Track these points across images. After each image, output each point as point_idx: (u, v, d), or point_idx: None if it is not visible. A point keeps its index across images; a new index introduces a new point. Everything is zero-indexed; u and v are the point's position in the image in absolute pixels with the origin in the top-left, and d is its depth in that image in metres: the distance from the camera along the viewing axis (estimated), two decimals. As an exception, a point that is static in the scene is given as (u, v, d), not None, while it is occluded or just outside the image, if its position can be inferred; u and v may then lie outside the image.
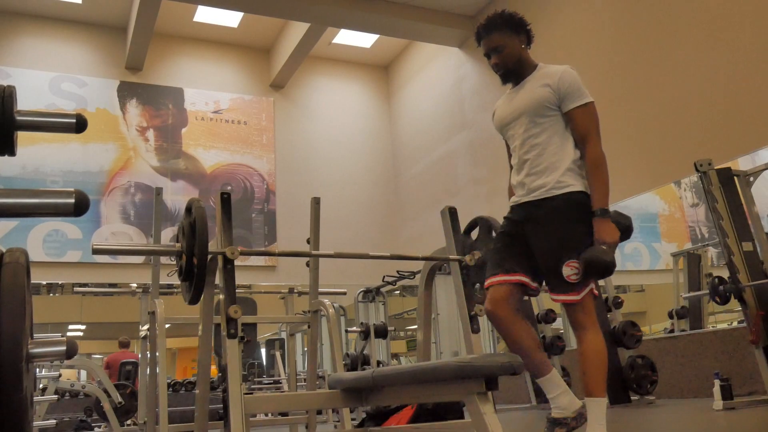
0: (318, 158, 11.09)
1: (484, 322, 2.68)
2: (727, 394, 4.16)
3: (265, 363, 9.46)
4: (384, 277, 8.34)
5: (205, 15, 10.05)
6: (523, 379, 6.56)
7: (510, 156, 2.55)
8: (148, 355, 3.95)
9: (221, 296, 2.10)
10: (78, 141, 9.39)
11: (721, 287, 4.58)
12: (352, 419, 3.59)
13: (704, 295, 5.68)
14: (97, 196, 9.36)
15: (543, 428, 2.27)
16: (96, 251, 2.13)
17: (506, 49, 2.44)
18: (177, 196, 9.81)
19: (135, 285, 5.46)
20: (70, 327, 12.06)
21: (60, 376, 5.83)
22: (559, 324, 6.79)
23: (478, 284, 2.66)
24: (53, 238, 9.02)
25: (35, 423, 4.26)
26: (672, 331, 6.64)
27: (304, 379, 6.97)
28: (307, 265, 3.56)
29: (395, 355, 11.43)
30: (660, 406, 5.06)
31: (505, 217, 2.52)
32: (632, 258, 7.44)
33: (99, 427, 6.99)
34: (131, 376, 7.68)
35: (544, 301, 6.07)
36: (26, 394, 1.30)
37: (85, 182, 9.25)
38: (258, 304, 5.10)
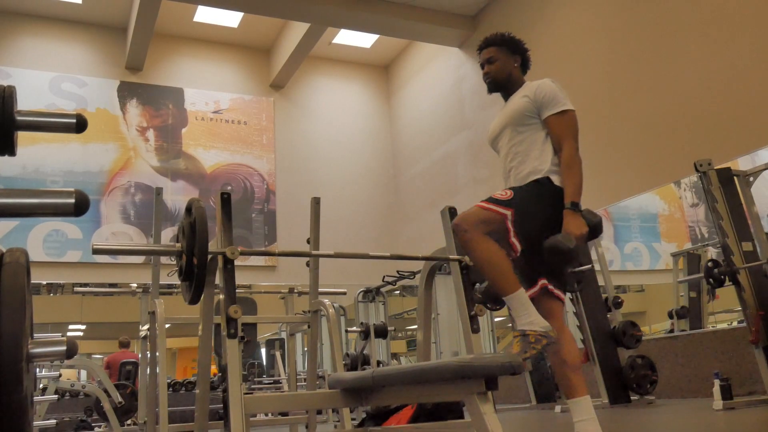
0: (318, 158, 11.08)
1: (484, 322, 2.68)
2: (726, 394, 4.16)
3: (265, 363, 9.46)
4: (384, 277, 8.35)
5: (205, 15, 10.05)
6: (523, 379, 6.57)
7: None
8: (148, 355, 3.96)
9: (221, 296, 2.10)
10: (78, 141, 9.39)
11: (715, 270, 4.59)
12: (352, 419, 3.59)
13: (700, 278, 5.69)
14: (97, 196, 9.36)
15: (514, 340, 2.22)
16: (96, 251, 2.13)
17: (498, 62, 2.64)
18: (177, 196, 9.81)
19: (135, 285, 5.45)
20: (70, 327, 12.07)
21: (60, 376, 5.82)
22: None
23: (478, 284, 2.66)
24: (53, 238, 9.02)
25: (35, 423, 4.26)
26: (672, 331, 6.65)
27: (304, 379, 6.97)
28: (307, 265, 3.56)
29: (395, 355, 11.43)
30: (660, 406, 5.06)
31: None
32: (632, 258, 7.44)
33: (99, 427, 6.99)
34: (131, 376, 7.68)
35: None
36: (26, 394, 1.30)
37: (85, 182, 9.25)
38: (258, 304, 5.10)
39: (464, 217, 2.34)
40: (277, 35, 10.76)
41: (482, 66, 2.69)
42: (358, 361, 7.18)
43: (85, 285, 9.18)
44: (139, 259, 8.72)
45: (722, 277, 4.51)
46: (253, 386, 7.88)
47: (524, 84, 2.63)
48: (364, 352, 7.39)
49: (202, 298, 2.24)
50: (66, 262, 9.05)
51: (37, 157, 9.06)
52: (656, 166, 6.49)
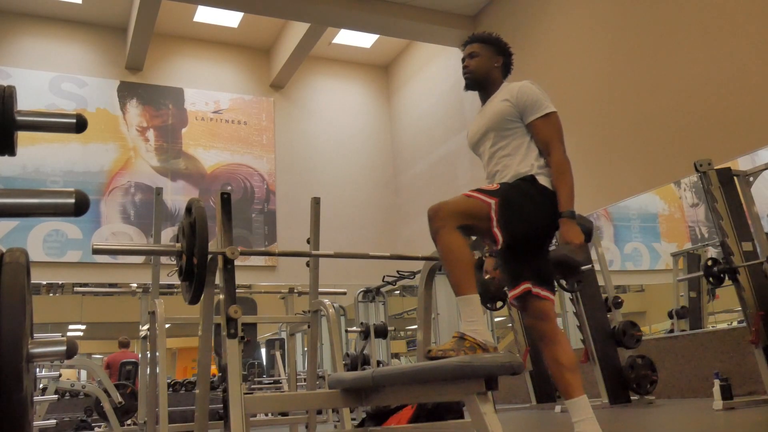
0: (318, 158, 11.09)
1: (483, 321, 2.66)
2: (726, 394, 4.16)
3: (265, 363, 9.46)
4: (384, 277, 8.35)
5: (205, 15, 10.05)
6: (523, 379, 6.57)
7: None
8: (148, 355, 3.96)
9: (221, 296, 2.10)
10: (78, 141, 9.39)
11: (714, 268, 4.59)
12: (352, 419, 3.59)
13: (699, 276, 5.69)
14: (97, 196, 9.36)
15: (451, 339, 2.13)
16: (96, 251, 2.13)
17: (479, 58, 2.58)
18: (177, 196, 9.81)
19: (135, 285, 5.46)
20: (70, 327, 12.08)
21: (60, 376, 5.83)
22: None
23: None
24: (53, 238, 9.02)
25: (35, 423, 4.26)
26: (672, 331, 6.65)
27: (304, 379, 6.97)
28: (307, 265, 3.56)
29: (395, 355, 11.43)
30: (660, 406, 5.06)
31: None
32: (632, 258, 7.44)
33: (99, 427, 6.99)
34: (131, 376, 7.68)
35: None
36: (26, 394, 1.30)
37: (85, 182, 9.25)
38: (258, 304, 5.10)
39: (441, 206, 2.24)
40: (277, 35, 10.76)
41: (463, 60, 2.63)
42: (358, 361, 7.19)
43: (85, 285, 9.18)
44: (139, 259, 8.72)
45: (721, 275, 4.51)
46: (253, 386, 7.88)
47: (502, 86, 2.58)
48: (364, 352, 7.40)
49: (202, 298, 2.24)
50: (66, 262, 9.05)
51: (37, 157, 9.06)
52: (656, 166, 6.49)
